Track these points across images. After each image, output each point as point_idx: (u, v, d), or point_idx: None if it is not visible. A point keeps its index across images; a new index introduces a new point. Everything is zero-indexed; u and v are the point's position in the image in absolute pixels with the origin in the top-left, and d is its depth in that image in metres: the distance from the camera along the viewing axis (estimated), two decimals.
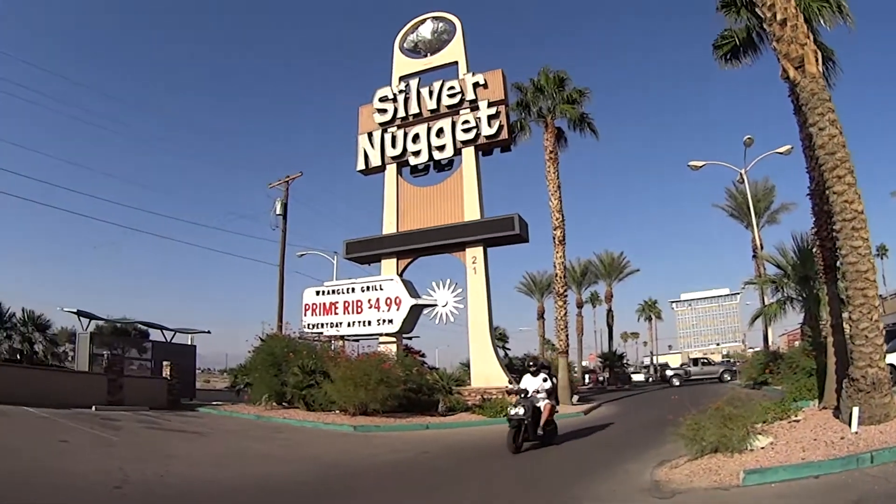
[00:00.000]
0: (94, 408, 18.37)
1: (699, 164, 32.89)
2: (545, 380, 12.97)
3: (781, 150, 29.81)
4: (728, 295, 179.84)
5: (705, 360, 48.95)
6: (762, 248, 33.38)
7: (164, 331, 31.14)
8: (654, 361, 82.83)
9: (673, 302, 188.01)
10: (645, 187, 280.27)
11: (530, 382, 13.08)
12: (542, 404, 12.65)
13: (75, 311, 27.29)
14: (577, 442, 14.18)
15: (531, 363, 13.84)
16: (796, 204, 37.88)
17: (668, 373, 48.18)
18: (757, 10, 12.36)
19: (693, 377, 44.16)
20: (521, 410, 12.07)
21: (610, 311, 56.33)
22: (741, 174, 33.08)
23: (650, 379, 58.31)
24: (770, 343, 34.05)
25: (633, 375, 57.94)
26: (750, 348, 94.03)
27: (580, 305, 55.02)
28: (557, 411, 13.51)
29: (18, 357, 33.01)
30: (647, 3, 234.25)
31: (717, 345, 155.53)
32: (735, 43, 17.09)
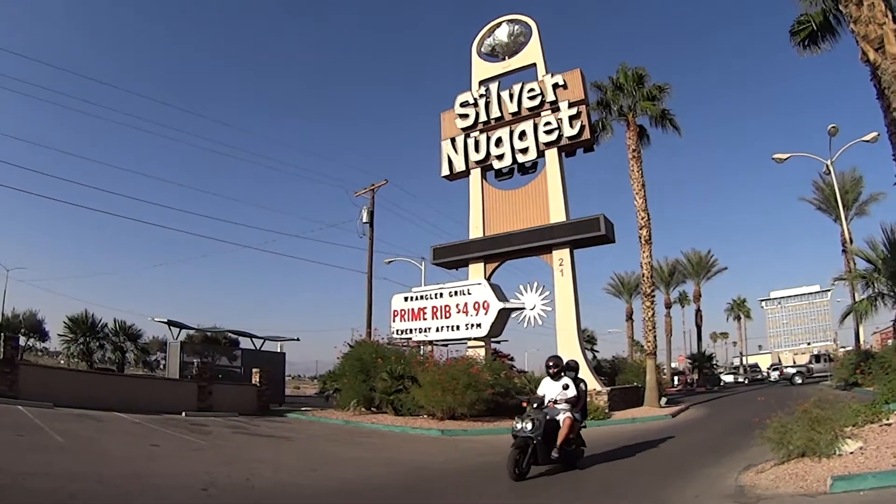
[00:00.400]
0: (184, 414, 19.15)
1: (783, 156, 31.59)
2: (566, 387, 10.28)
3: (867, 137, 28.32)
4: (819, 292, 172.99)
5: (828, 357, 46.25)
6: (851, 241, 32.01)
7: (253, 339, 32.05)
8: (745, 362, 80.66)
9: (762, 300, 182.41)
10: (730, 183, 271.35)
11: (549, 388, 10.40)
12: (562, 417, 9.89)
13: (166, 320, 28.43)
14: (665, 445, 13.79)
15: (550, 363, 10.72)
16: (885, 193, 36.61)
17: (790, 370, 45.42)
18: None
19: (816, 374, 41.77)
20: (528, 425, 9.34)
21: (699, 310, 54.92)
22: (827, 165, 31.70)
23: (746, 380, 56.54)
24: (861, 342, 32.67)
25: (722, 376, 56.30)
26: (841, 347, 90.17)
27: (668, 306, 53.84)
28: (584, 426, 10.94)
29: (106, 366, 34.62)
30: None
31: (808, 344, 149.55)
32: (812, 28, 16.55)
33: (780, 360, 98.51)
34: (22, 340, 43.73)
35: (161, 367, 35.75)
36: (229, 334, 34.94)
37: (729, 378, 56.84)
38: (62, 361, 44.32)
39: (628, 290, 53.78)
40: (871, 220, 38.78)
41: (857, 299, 24.73)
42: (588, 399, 21.20)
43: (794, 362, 77.62)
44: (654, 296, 27.23)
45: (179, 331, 29.52)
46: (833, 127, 29.47)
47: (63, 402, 16.68)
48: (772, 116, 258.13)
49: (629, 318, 53.52)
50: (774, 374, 56.49)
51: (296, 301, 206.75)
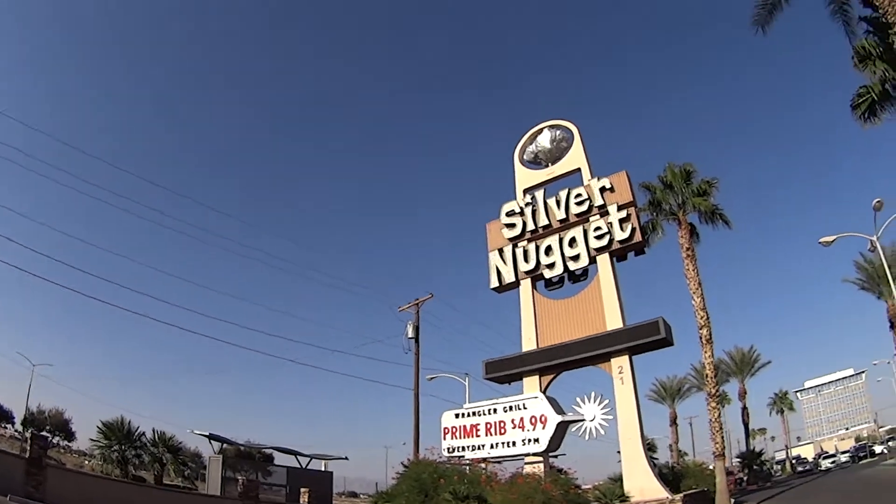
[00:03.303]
0: None
1: (830, 239, 30.61)
2: None
3: None
4: (853, 375, 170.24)
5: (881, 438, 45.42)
6: None
7: (298, 456, 30.99)
8: (789, 454, 79.77)
9: (798, 391, 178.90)
10: (759, 270, 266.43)
11: None
12: None
13: (207, 434, 27.54)
14: None
15: None
16: None
17: (843, 456, 45.53)
18: None
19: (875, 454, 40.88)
20: None
21: (745, 408, 53.41)
22: (871, 242, 30.89)
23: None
24: None
25: (822, 461, 58.11)
26: (881, 427, 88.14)
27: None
28: None
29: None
30: (761, 69, 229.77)
31: (847, 429, 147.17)
32: (872, 98, 16.78)
33: (822, 449, 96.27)
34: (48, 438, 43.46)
35: (196, 479, 34.58)
36: (268, 450, 34.06)
37: (827, 462, 58.01)
38: (87, 463, 43.45)
39: (671, 394, 52.74)
40: None
41: None
42: None
43: (837, 449, 76.51)
44: (719, 396, 26.41)
45: (221, 445, 28.76)
46: (878, 201, 28.49)
47: None
48: (813, 201, 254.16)
49: (673, 422, 52.14)
50: (825, 463, 57.10)
51: (323, 416, 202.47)
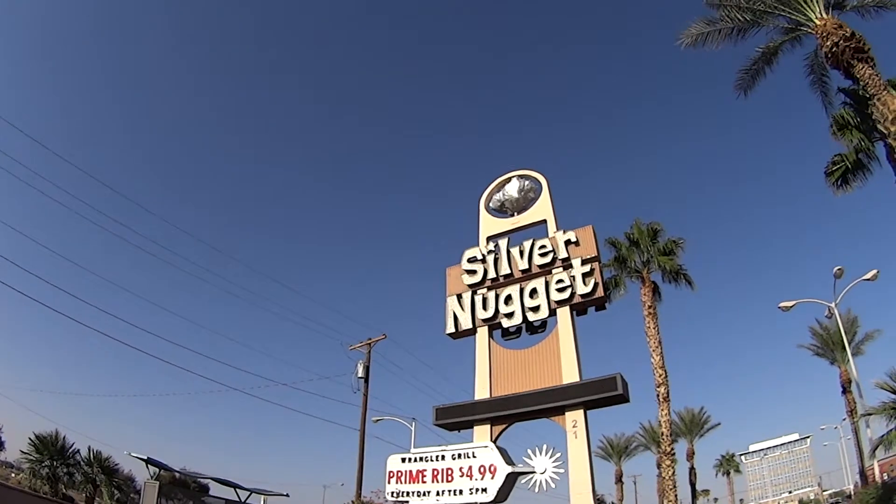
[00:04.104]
0: None
1: (790, 304, 31.26)
2: None
3: (868, 276, 28.49)
4: (798, 440, 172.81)
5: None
6: (854, 381, 32.89)
7: (237, 490, 30.23)
8: None
9: (742, 454, 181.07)
10: (712, 330, 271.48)
11: None
12: None
13: (145, 458, 26.63)
14: None
15: None
16: (881, 330, 38.35)
17: None
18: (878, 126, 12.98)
19: None
20: None
21: (692, 469, 53.57)
22: (829, 308, 31.49)
23: None
24: (875, 476, 32.69)
25: None
26: (825, 490, 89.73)
27: (659, 465, 52.76)
28: None
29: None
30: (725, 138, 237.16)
31: (790, 492, 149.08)
32: (846, 166, 17.54)
33: None
34: None
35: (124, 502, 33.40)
36: (202, 480, 33.07)
37: None
38: (14, 476, 42.15)
39: (618, 452, 53.01)
40: (865, 358, 39.67)
41: (866, 435, 24.85)
42: None
43: None
44: (674, 454, 26.53)
45: (158, 471, 27.86)
46: (839, 269, 29.33)
47: None
48: (774, 266, 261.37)
49: (619, 480, 52.28)
50: None
51: (267, 450, 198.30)
